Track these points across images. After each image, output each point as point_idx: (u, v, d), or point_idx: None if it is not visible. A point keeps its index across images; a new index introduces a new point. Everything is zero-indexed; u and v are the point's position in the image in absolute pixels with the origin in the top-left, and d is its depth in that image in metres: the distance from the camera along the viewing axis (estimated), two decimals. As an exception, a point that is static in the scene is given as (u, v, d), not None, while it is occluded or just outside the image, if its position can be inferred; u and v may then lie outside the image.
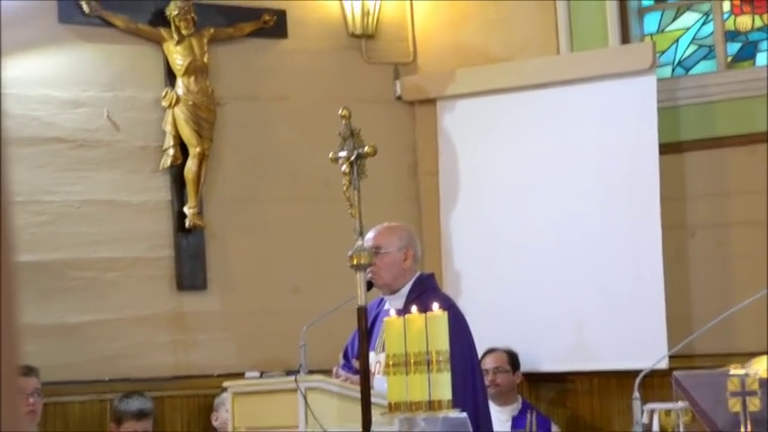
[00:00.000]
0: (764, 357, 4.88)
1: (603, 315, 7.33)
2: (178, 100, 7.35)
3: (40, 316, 6.92)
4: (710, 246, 7.47)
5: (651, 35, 7.97)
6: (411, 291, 5.44)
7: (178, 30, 7.39)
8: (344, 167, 5.01)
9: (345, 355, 5.65)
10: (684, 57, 7.92)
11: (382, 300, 5.58)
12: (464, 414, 4.40)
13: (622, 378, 6.99)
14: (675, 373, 4.76)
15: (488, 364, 7.16)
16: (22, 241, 6.81)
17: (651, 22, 8.01)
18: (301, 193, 7.72)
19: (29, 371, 6.34)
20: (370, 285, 5.25)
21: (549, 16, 7.85)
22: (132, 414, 6.87)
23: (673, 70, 7.93)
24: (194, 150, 7.33)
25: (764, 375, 4.56)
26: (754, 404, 4.48)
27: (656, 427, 5.03)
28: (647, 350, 6.79)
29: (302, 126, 7.77)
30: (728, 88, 7.56)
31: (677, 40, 7.95)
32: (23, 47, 7.14)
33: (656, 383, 6.12)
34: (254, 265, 7.57)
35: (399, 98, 8.08)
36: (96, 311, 7.16)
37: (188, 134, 7.34)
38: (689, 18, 7.95)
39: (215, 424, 7.06)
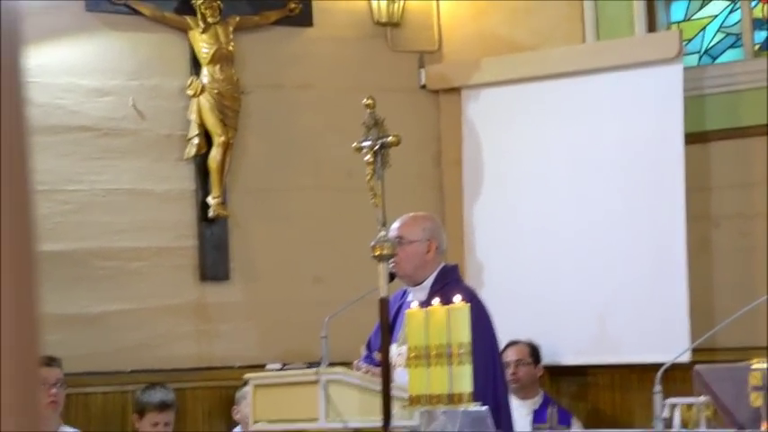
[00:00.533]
0: (787, 352, 4.86)
1: (626, 307, 7.31)
2: (203, 89, 7.36)
3: (64, 305, 6.95)
4: (735, 237, 7.43)
5: (678, 23, 7.92)
6: (434, 283, 5.44)
7: (204, 18, 7.40)
8: (368, 157, 5.01)
9: (369, 346, 5.65)
10: (711, 45, 7.87)
11: (406, 291, 5.58)
12: (485, 407, 4.40)
13: (644, 372, 6.98)
14: (697, 367, 4.76)
15: (510, 356, 7.14)
16: (47, 230, 6.85)
17: (678, 10, 7.96)
18: (325, 182, 7.72)
19: (51, 361, 6.38)
20: (392, 277, 5.25)
21: (574, 5, 7.82)
22: (155, 405, 6.90)
23: (699, 59, 7.88)
24: (219, 139, 7.35)
25: (787, 370, 4.54)
26: (776, 399, 4.46)
27: (677, 421, 5.02)
28: (669, 343, 6.76)
29: (327, 115, 7.78)
30: (755, 77, 7.50)
31: (704, 29, 7.90)
32: (50, 35, 7.16)
33: (677, 377, 6.09)
34: (278, 256, 7.58)
35: (424, 87, 8.06)
36: (120, 301, 7.19)
37: (213, 123, 7.35)
38: (716, 6, 7.89)
39: (236, 417, 7.07)
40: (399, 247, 5.29)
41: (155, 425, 6.86)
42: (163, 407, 6.89)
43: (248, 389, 6.91)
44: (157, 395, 6.93)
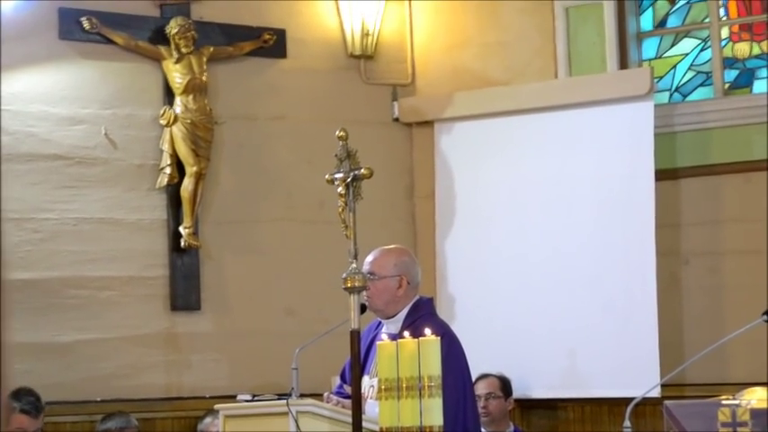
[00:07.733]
0: (756, 388, 4.88)
1: (596, 341, 7.33)
2: (176, 118, 7.37)
3: (34, 334, 6.92)
4: (704, 273, 7.48)
5: (649, 61, 7.99)
6: (407, 316, 5.41)
7: (178, 48, 7.41)
8: (340, 189, 5.01)
9: (342, 377, 5.62)
10: (682, 83, 7.94)
11: (381, 322, 5.56)
12: (455, 441, 4.39)
13: (614, 406, 7.00)
14: (667, 403, 4.76)
15: (480, 389, 7.13)
16: (17, 258, 6.82)
17: (649, 47, 8.03)
18: (297, 214, 7.73)
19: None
20: (363, 308, 5.23)
21: (547, 41, 7.88)
22: (115, 429, 6.82)
23: (670, 96, 7.95)
24: (191, 169, 7.35)
25: (755, 406, 4.56)
26: (745, 435, 4.47)
27: (646, 456, 5.03)
28: (639, 378, 6.79)
29: (299, 146, 7.79)
30: (725, 115, 7.57)
31: (675, 66, 7.97)
32: (23, 63, 7.16)
33: (647, 412, 6.12)
34: (249, 287, 7.57)
35: (397, 120, 8.10)
36: (90, 330, 7.16)
37: (185, 153, 7.35)
38: (687, 44, 7.97)
39: (204, 451, 7.03)
40: (370, 282, 5.27)
41: None
42: (122, 429, 6.82)
43: (209, 419, 6.88)
44: (115, 422, 6.85)
